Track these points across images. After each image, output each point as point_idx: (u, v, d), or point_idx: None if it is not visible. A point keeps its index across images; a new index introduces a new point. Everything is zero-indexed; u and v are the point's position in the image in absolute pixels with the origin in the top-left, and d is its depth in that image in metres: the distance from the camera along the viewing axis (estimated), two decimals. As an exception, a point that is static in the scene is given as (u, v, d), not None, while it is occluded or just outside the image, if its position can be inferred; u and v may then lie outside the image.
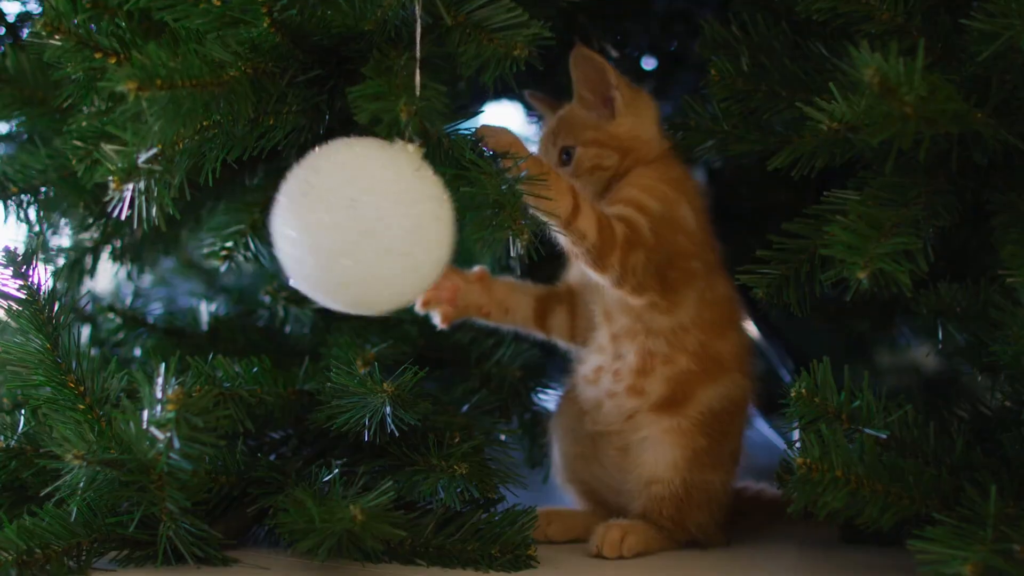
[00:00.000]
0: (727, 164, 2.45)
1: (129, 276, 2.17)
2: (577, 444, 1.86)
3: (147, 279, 2.57)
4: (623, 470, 1.78)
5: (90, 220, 1.94)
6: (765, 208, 2.40)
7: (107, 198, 1.50)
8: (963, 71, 1.56)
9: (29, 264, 1.62)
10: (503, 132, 1.59)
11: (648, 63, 2.40)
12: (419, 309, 1.78)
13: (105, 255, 2.11)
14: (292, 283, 1.45)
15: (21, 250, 1.62)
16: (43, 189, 1.87)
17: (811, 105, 1.50)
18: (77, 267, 2.08)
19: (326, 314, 2.04)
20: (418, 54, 1.49)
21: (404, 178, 1.41)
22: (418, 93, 1.46)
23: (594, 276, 1.69)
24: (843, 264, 1.49)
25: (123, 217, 1.50)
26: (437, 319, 1.78)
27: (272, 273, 2.16)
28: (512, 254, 1.50)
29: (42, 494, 1.55)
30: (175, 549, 1.54)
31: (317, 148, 1.44)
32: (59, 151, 1.81)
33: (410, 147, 1.45)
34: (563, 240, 1.64)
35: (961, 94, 1.46)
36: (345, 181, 1.39)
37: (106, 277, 2.48)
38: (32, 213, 1.91)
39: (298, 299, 2.07)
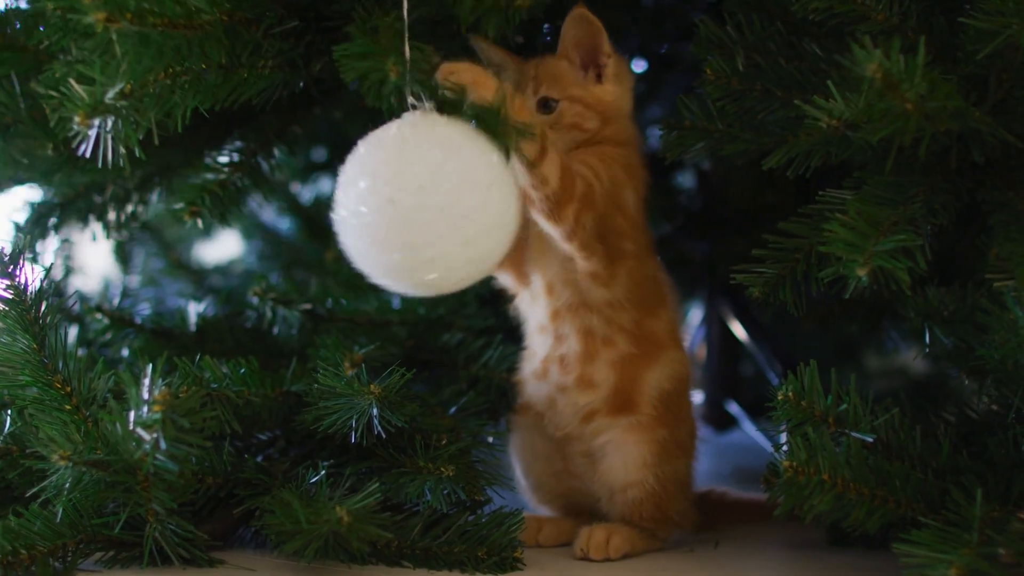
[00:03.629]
0: (717, 166, 2.46)
1: (94, 237, 2.14)
2: (546, 462, 1.84)
3: (135, 279, 2.57)
4: (594, 479, 1.78)
5: (58, 164, 1.91)
6: (754, 210, 2.41)
7: (71, 133, 1.49)
8: (959, 71, 1.56)
9: (16, 264, 1.62)
10: (469, 68, 1.55)
11: (638, 65, 2.40)
12: None
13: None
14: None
15: (8, 249, 1.62)
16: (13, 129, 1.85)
17: (808, 104, 1.50)
18: (41, 223, 2.06)
19: (314, 315, 2.04)
20: (405, 14, 1.48)
21: (476, 162, 1.43)
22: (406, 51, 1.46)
23: (545, 225, 1.66)
24: (841, 262, 1.49)
25: (87, 155, 1.49)
26: None
27: (260, 274, 2.16)
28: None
29: (28, 495, 1.55)
30: (161, 550, 1.54)
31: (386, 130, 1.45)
32: (33, 91, 1.79)
33: (427, 106, 1.45)
34: (523, 181, 1.59)
35: (959, 93, 1.46)
36: (416, 164, 1.40)
37: (95, 277, 2.48)
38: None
39: (286, 300, 2.06)
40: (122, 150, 1.50)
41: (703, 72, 1.73)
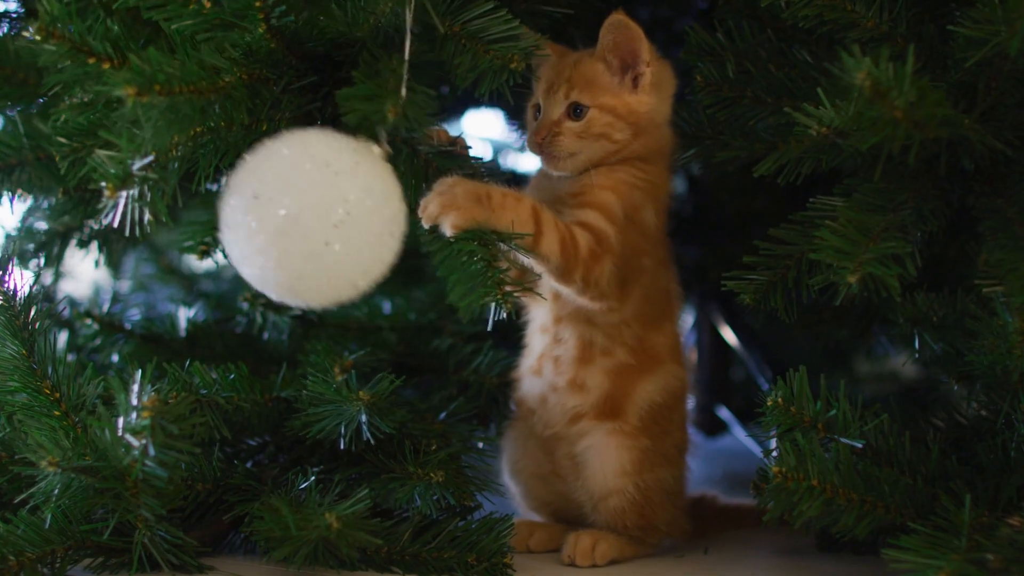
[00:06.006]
0: (708, 171, 2.46)
1: (96, 264, 2.15)
2: (534, 462, 1.84)
3: (125, 284, 2.56)
4: (579, 486, 1.78)
5: (67, 207, 1.92)
6: (745, 215, 2.41)
7: (100, 206, 1.49)
8: (948, 78, 1.57)
9: (5, 269, 1.62)
10: (448, 191, 1.52)
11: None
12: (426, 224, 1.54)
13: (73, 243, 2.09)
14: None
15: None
16: (19, 171, 1.84)
17: (798, 111, 1.50)
18: (44, 251, 2.06)
19: (304, 321, 2.04)
20: (407, 57, 1.49)
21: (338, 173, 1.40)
22: (403, 95, 1.46)
23: (556, 287, 1.67)
24: (832, 269, 1.49)
25: (115, 225, 1.49)
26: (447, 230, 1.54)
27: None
28: (494, 318, 1.50)
29: (16, 501, 1.56)
30: (150, 556, 1.54)
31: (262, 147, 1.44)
32: (37, 132, 1.79)
33: (375, 149, 1.45)
34: (526, 260, 1.60)
35: (949, 100, 1.46)
36: (277, 177, 1.39)
37: (84, 282, 2.47)
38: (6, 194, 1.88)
39: (276, 306, 2.06)
40: (149, 216, 1.50)
41: (693, 79, 1.73)
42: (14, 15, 1.92)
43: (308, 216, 1.36)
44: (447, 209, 1.50)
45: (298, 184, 1.38)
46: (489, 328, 1.52)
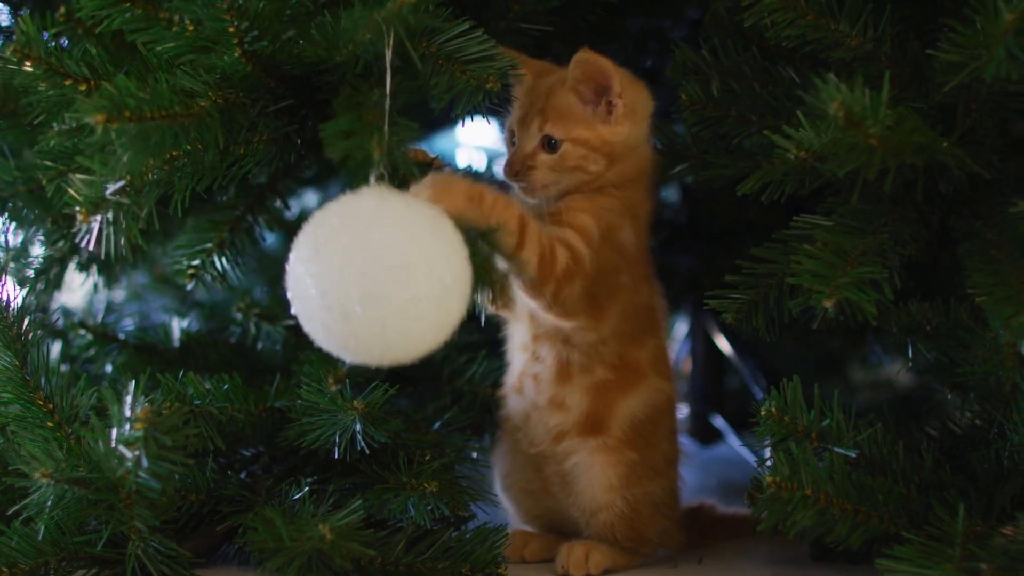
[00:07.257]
0: (700, 182, 2.47)
1: (96, 288, 2.16)
2: (523, 477, 1.84)
3: (120, 294, 2.56)
4: (570, 503, 1.77)
5: (59, 235, 1.92)
6: (739, 224, 2.41)
7: (74, 229, 1.49)
8: (931, 98, 1.57)
9: (-2, 280, 1.62)
10: (435, 182, 1.50)
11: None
12: None
13: (72, 266, 2.09)
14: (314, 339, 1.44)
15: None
16: (11, 203, 1.85)
17: (780, 131, 1.50)
18: (43, 277, 2.06)
19: (298, 331, 2.04)
20: (388, 90, 1.48)
21: (416, 227, 1.37)
22: (387, 129, 1.45)
23: (524, 299, 1.67)
24: (810, 292, 1.50)
25: (91, 248, 1.49)
26: None
27: (244, 289, 2.16)
28: (484, 309, 1.50)
29: (9, 512, 1.55)
30: (143, 568, 1.53)
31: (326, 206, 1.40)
32: (29, 164, 1.80)
33: (380, 183, 1.43)
34: (502, 263, 1.58)
35: (928, 122, 1.46)
36: (354, 235, 1.35)
37: (79, 292, 2.47)
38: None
39: (270, 316, 2.06)
40: (124, 241, 1.50)
41: (680, 97, 1.73)
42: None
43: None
44: (441, 196, 1.47)
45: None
46: (482, 320, 1.51)
